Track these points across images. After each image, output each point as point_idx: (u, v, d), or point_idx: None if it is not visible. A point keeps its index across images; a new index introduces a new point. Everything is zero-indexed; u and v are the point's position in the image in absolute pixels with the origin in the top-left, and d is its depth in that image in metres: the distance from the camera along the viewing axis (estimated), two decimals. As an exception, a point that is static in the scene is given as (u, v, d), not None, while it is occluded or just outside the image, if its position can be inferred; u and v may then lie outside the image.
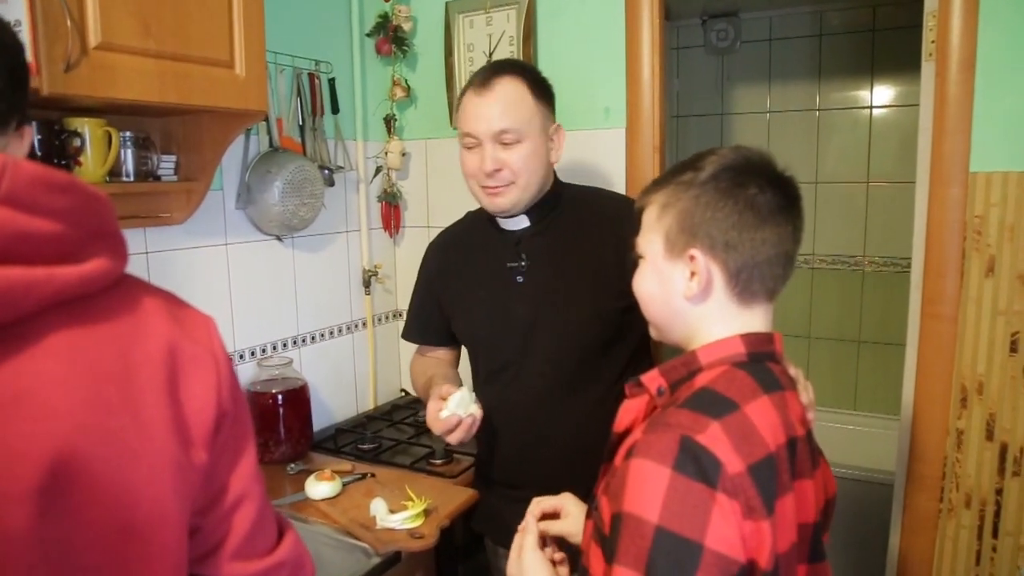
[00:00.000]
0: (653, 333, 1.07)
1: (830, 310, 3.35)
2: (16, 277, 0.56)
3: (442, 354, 1.72)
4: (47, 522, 0.58)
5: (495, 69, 1.46)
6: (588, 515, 1.10)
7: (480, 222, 1.60)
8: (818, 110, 3.29)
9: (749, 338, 0.95)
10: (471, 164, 1.46)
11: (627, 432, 1.03)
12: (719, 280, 0.95)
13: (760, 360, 0.95)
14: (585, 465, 1.44)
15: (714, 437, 0.83)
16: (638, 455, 0.84)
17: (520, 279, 1.51)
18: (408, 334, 1.75)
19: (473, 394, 1.43)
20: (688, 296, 0.95)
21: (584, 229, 1.51)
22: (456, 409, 1.39)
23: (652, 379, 0.99)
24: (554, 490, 1.49)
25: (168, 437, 0.66)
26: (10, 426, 0.57)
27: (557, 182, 1.56)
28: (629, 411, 1.03)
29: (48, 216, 0.59)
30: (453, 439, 1.41)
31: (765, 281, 0.96)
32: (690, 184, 0.96)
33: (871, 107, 3.19)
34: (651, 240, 0.99)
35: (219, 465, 0.72)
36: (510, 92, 1.42)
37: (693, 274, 0.95)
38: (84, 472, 0.60)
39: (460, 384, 1.50)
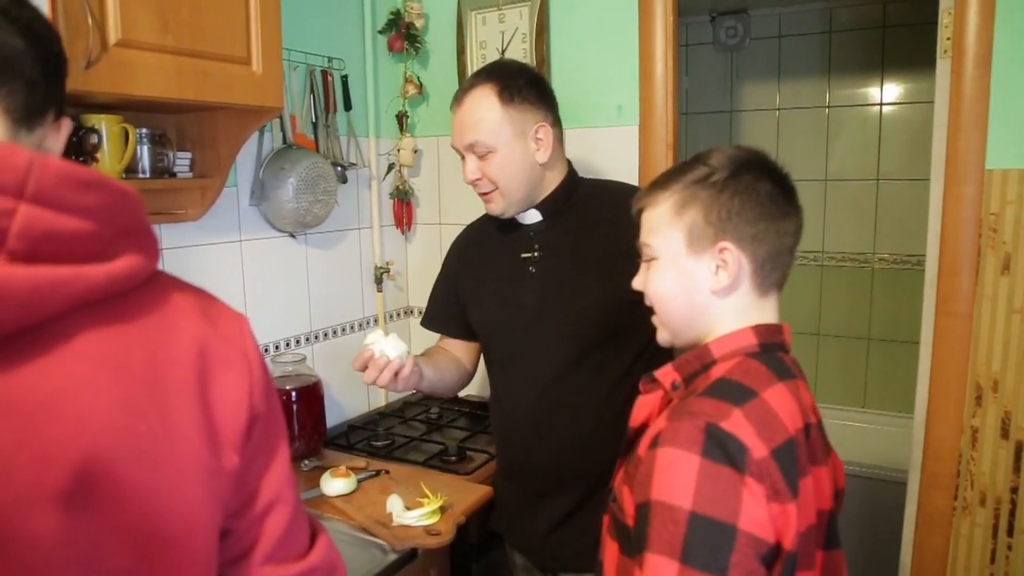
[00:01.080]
0: (664, 338, 1.07)
1: (839, 307, 3.35)
2: (41, 276, 0.55)
3: (454, 346, 1.73)
4: (74, 526, 0.57)
5: (469, 82, 1.51)
6: (605, 510, 1.11)
7: (501, 217, 1.61)
8: (828, 107, 3.28)
9: (759, 329, 0.98)
10: (463, 173, 1.53)
11: (643, 427, 1.04)
12: (747, 272, 0.97)
13: (771, 350, 0.98)
14: (589, 458, 1.46)
15: (738, 423, 0.85)
16: (664, 444, 0.86)
17: (533, 270, 1.54)
18: (426, 321, 1.78)
19: (406, 348, 1.44)
20: (715, 289, 0.97)
21: (597, 221, 1.52)
22: (373, 342, 1.40)
23: (666, 374, 1.01)
24: (557, 483, 1.52)
25: (198, 441, 0.65)
26: (38, 430, 0.56)
27: (571, 177, 1.57)
28: (644, 406, 1.05)
29: (76, 214, 0.57)
30: (366, 377, 1.42)
31: (783, 270, 1.00)
32: (706, 180, 0.97)
33: (881, 104, 3.18)
34: (668, 238, 1.00)
35: (251, 468, 0.71)
36: (476, 105, 1.46)
37: (718, 267, 0.96)
38: (111, 476, 0.59)
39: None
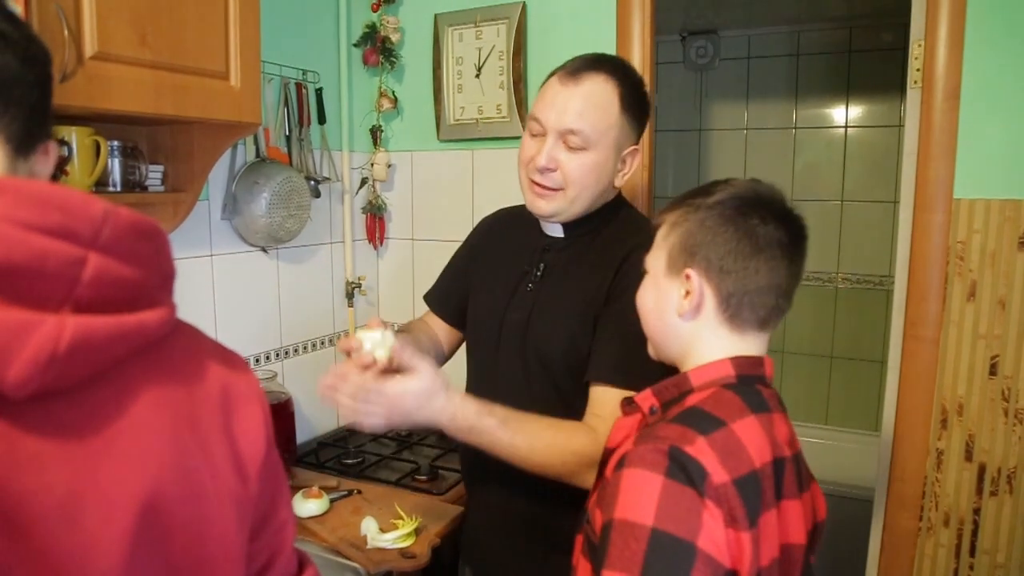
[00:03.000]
0: (651, 350, 1.10)
1: (804, 326, 3.41)
2: (115, 326, 0.57)
3: (440, 328, 1.60)
4: (134, 563, 0.59)
5: (593, 62, 1.31)
6: (579, 530, 1.11)
7: (529, 216, 1.44)
8: (794, 128, 3.35)
9: (738, 361, 0.99)
10: (528, 151, 1.34)
11: (618, 448, 1.06)
12: (710, 302, 0.99)
13: (749, 383, 0.99)
14: (546, 493, 1.33)
15: (701, 449, 0.86)
16: (629, 465, 0.87)
17: (530, 287, 1.41)
18: (428, 296, 1.65)
19: (394, 343, 1.20)
20: (680, 313, 1.00)
21: (606, 256, 1.35)
22: (364, 339, 1.19)
23: (645, 398, 1.03)
24: (503, 511, 1.43)
25: (230, 473, 0.68)
26: (103, 472, 0.58)
27: (619, 201, 1.43)
28: (621, 428, 1.07)
29: (135, 262, 0.59)
30: (343, 365, 1.21)
31: (756, 310, 0.99)
32: (698, 207, 1.00)
33: (846, 127, 3.26)
34: (656, 256, 1.04)
35: (264, 494, 0.74)
36: (597, 93, 1.28)
37: (688, 292, 0.99)
38: (168, 513, 0.61)
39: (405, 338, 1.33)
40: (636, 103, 1.32)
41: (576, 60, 1.33)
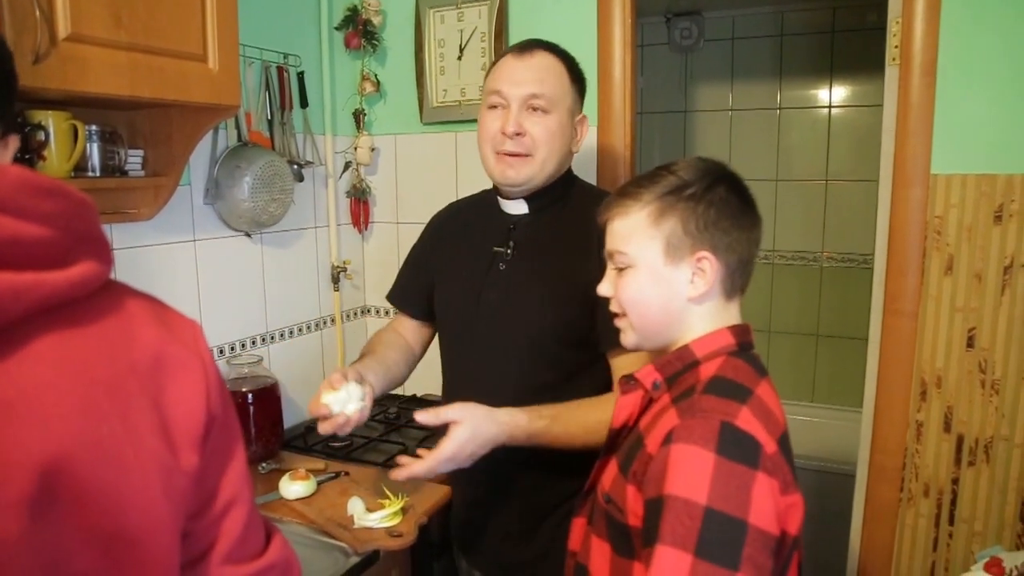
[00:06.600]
0: (631, 340, 1.08)
1: (790, 305, 3.44)
2: (4, 283, 0.56)
3: (408, 328, 1.66)
4: (39, 529, 0.57)
5: (536, 42, 1.43)
6: (578, 513, 1.12)
7: (486, 201, 1.54)
8: (779, 108, 3.36)
9: (735, 330, 1.03)
10: (492, 126, 1.40)
11: (624, 427, 1.07)
12: (719, 279, 1.01)
13: (746, 349, 1.03)
14: (531, 472, 1.41)
15: (748, 420, 0.89)
16: (679, 440, 0.88)
17: (502, 266, 1.45)
18: (390, 296, 1.70)
19: (362, 391, 1.35)
20: (691, 296, 1.01)
21: (582, 229, 1.38)
22: (331, 402, 1.33)
23: (647, 375, 1.04)
24: (504, 490, 1.46)
25: (157, 442, 0.65)
26: (1, 433, 0.56)
27: (568, 175, 1.50)
28: (624, 407, 1.08)
29: (36, 220, 0.58)
30: (321, 429, 1.34)
31: (747, 277, 1.05)
32: (681, 192, 1.01)
33: (830, 107, 3.27)
34: (645, 247, 1.02)
35: (210, 469, 0.72)
36: (548, 64, 1.40)
37: (694, 275, 1.00)
38: (75, 478, 0.59)
39: (366, 376, 1.42)
40: (578, 77, 1.45)
41: (522, 42, 1.45)
